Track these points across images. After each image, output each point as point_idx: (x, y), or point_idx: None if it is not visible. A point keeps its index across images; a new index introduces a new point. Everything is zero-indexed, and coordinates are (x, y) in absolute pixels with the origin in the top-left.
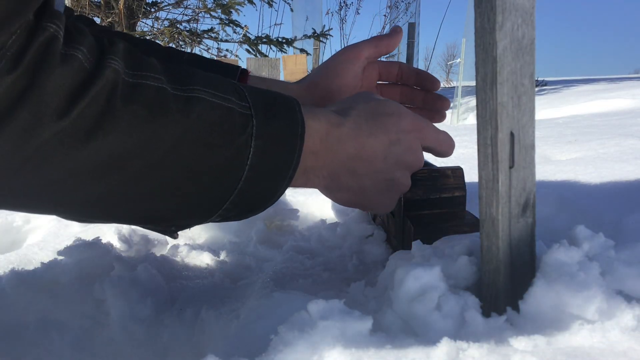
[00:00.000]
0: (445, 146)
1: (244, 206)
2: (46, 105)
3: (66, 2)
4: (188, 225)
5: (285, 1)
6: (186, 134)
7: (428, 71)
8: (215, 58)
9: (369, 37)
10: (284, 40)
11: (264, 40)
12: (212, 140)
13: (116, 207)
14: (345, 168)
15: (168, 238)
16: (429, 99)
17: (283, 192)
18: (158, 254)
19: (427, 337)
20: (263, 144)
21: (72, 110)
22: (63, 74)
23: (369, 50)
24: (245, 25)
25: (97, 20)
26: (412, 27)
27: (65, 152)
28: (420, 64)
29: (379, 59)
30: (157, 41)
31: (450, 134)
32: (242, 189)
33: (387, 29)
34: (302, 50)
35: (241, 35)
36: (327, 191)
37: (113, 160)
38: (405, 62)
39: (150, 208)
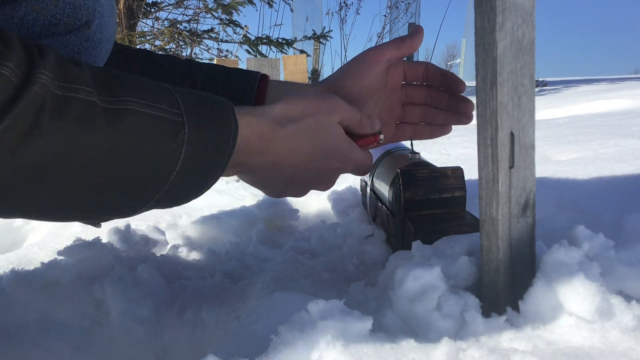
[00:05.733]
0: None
1: (168, 201)
2: None
3: None
4: (113, 219)
5: (285, 1)
6: (114, 146)
7: None
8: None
9: (392, 39)
10: (284, 41)
11: (264, 40)
12: (141, 150)
13: (42, 210)
14: (274, 168)
15: (168, 238)
16: (453, 101)
17: (211, 186)
18: (158, 254)
19: (427, 337)
20: (193, 150)
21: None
22: None
23: (391, 52)
24: (245, 26)
25: None
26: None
27: None
28: None
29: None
30: (157, 41)
31: (451, 134)
32: (167, 190)
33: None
34: (302, 51)
35: (241, 36)
36: (256, 185)
37: (36, 169)
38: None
39: (75, 209)
